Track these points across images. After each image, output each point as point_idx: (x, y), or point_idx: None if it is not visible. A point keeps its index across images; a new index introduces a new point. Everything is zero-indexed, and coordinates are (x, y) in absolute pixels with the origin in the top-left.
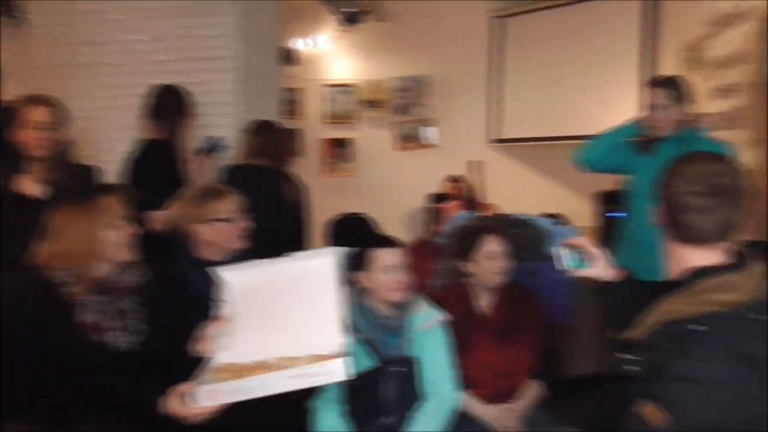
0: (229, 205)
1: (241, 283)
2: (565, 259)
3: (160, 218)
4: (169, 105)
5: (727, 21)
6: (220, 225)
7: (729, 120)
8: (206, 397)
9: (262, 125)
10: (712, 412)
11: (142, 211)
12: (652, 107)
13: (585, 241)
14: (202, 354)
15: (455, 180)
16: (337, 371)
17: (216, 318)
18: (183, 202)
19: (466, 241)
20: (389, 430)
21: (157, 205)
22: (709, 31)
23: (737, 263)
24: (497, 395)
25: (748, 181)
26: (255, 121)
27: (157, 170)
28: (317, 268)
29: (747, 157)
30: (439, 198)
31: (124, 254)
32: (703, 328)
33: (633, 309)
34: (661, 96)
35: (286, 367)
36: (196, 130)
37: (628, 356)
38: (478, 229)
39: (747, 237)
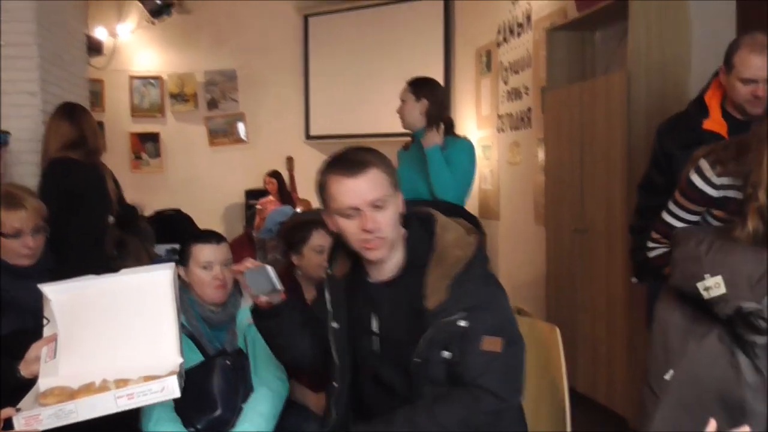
0: (17, 220)
1: (65, 301)
2: None
3: None
4: None
5: (515, 29)
6: (2, 239)
7: (519, 120)
8: (24, 423)
9: (74, 109)
10: None
11: None
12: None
13: None
14: (28, 376)
15: (272, 175)
16: (168, 389)
17: (41, 339)
18: None
19: (294, 234)
20: (220, 422)
21: None
22: (499, 39)
23: None
24: (322, 383)
25: None
26: (67, 105)
27: None
28: (152, 284)
29: (534, 153)
30: (256, 194)
31: None
32: None
33: None
34: (404, 91)
35: (113, 388)
36: None
37: None
38: (306, 223)
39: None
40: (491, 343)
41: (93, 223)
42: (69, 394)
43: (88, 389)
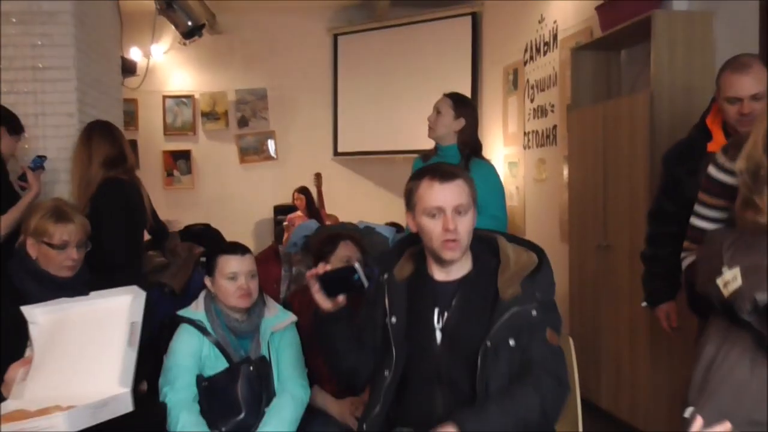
0: (66, 232)
1: (44, 322)
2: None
3: None
4: None
5: (541, 48)
6: (47, 249)
7: (545, 138)
8: None
9: (110, 127)
10: None
11: None
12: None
13: None
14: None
15: (301, 191)
16: (55, 426)
17: (18, 361)
18: (31, 212)
19: (323, 247)
20: (244, 426)
21: None
22: (526, 57)
23: None
24: (344, 390)
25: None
26: (101, 123)
27: None
28: (112, 308)
29: (560, 171)
30: (284, 209)
31: None
32: None
33: None
34: (443, 103)
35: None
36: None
37: None
38: (333, 236)
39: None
40: (553, 337)
41: (137, 240)
42: (24, 418)
43: (42, 413)
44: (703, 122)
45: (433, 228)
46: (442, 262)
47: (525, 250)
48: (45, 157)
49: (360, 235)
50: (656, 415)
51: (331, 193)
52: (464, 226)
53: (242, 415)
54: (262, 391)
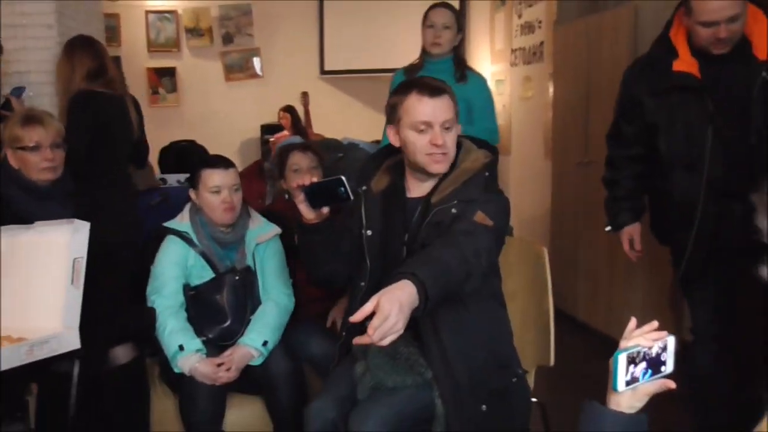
0: (35, 134)
1: None
2: None
3: None
4: None
5: None
6: (22, 153)
7: (531, 54)
8: None
9: (90, 40)
10: None
11: None
12: (432, 26)
13: None
14: None
15: (286, 110)
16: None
17: None
18: (5, 125)
19: (279, 160)
20: (229, 333)
21: None
22: None
23: None
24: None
25: None
26: (82, 36)
27: None
28: (53, 242)
29: (546, 88)
30: (272, 129)
31: None
32: None
33: None
34: (442, 15)
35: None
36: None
37: None
38: (287, 147)
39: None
40: (482, 218)
41: (117, 154)
42: None
43: None
44: (666, 37)
45: (419, 142)
46: (425, 175)
47: (481, 156)
48: (25, 87)
49: (326, 148)
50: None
51: (318, 113)
52: (450, 140)
53: (228, 323)
54: (247, 299)
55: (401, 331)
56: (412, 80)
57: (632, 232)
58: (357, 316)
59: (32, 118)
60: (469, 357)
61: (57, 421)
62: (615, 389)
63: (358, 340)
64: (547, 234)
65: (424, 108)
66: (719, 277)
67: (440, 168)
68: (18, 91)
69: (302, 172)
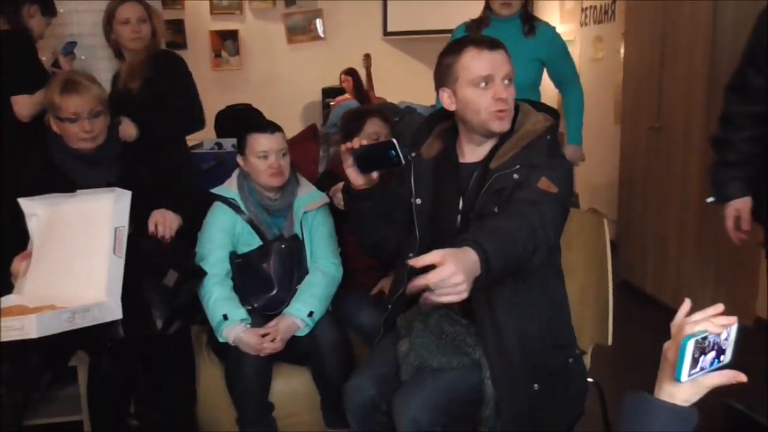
0: (69, 105)
1: (42, 216)
2: None
3: (24, 103)
4: None
5: None
6: (60, 122)
7: (602, 13)
8: None
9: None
10: None
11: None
12: None
13: None
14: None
15: (348, 73)
16: (27, 329)
17: (20, 254)
18: (46, 90)
19: (350, 124)
20: (276, 302)
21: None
22: None
23: None
24: (372, 267)
25: None
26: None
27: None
28: (95, 211)
29: (617, 49)
30: (333, 92)
31: None
32: None
33: None
34: None
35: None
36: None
37: None
38: (361, 112)
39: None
40: (547, 185)
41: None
42: (22, 313)
43: (36, 311)
44: None
45: (482, 99)
46: (483, 137)
47: (541, 119)
48: (76, 42)
49: (390, 113)
50: (701, 301)
51: (380, 75)
52: (512, 95)
53: (274, 291)
54: (294, 268)
55: (465, 295)
56: (464, 38)
57: (741, 207)
58: (417, 262)
59: (70, 86)
60: (525, 336)
61: (106, 389)
62: (678, 379)
63: (414, 284)
64: (614, 200)
65: (484, 62)
66: None
67: (504, 125)
68: (69, 47)
69: (379, 139)
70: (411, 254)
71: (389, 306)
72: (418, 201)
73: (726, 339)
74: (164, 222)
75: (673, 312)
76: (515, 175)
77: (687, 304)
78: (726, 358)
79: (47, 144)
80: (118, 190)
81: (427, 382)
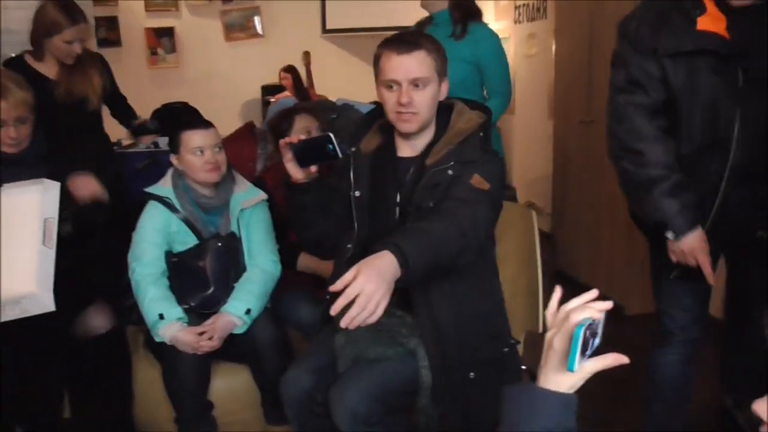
0: (1, 110)
1: None
2: None
3: None
4: None
5: None
6: None
7: (535, 11)
8: None
9: None
10: None
11: None
12: None
13: None
14: None
15: (287, 70)
16: None
17: None
18: None
19: (281, 123)
20: (213, 300)
21: None
22: None
23: None
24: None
25: None
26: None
27: None
28: (22, 203)
29: (549, 46)
30: (273, 89)
31: None
32: None
33: None
34: None
35: None
36: None
37: None
38: (290, 110)
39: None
40: (479, 182)
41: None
42: None
43: None
44: None
45: (388, 100)
46: (402, 134)
47: (474, 116)
48: None
49: (319, 110)
50: (632, 289)
51: (320, 73)
52: (423, 98)
53: (211, 290)
54: (231, 266)
55: (386, 299)
56: (393, 35)
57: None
58: (337, 285)
59: None
60: (461, 327)
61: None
62: (571, 369)
63: (336, 306)
64: (548, 193)
65: (392, 65)
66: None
67: (408, 127)
68: None
69: (312, 133)
70: (349, 245)
71: (327, 298)
72: (357, 193)
73: (598, 323)
74: (80, 184)
75: (604, 300)
76: (450, 171)
77: (558, 292)
78: (597, 341)
79: None
80: (46, 181)
81: (364, 373)
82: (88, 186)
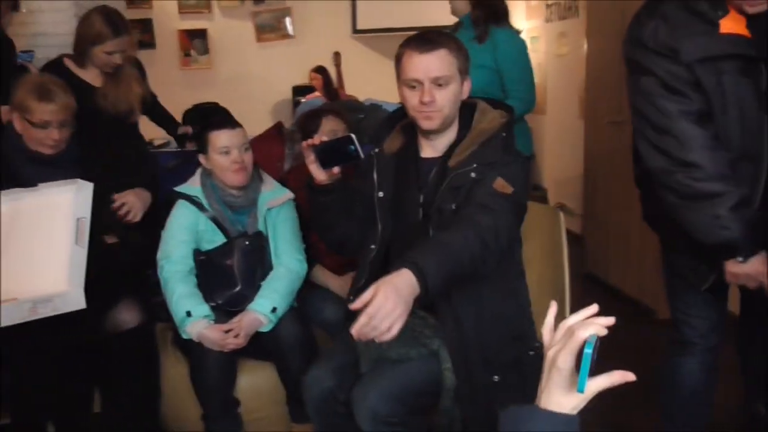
0: (46, 112)
1: (2, 210)
2: None
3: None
4: None
5: None
6: (28, 126)
7: (566, 9)
8: None
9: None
10: None
11: None
12: None
13: None
14: None
15: (318, 71)
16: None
17: None
18: (17, 88)
19: (308, 124)
20: (239, 298)
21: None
22: None
23: None
24: (342, 266)
25: None
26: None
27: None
28: (56, 203)
29: (581, 45)
30: (304, 90)
31: None
32: None
33: None
34: None
35: None
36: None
37: None
38: (318, 111)
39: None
40: (503, 186)
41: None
42: None
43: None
44: None
45: (410, 99)
46: (425, 133)
47: (497, 116)
48: (33, 52)
49: (347, 110)
50: (664, 293)
51: (350, 73)
52: (445, 97)
53: (238, 288)
54: (257, 265)
55: (404, 317)
56: (414, 34)
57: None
58: (356, 304)
59: (45, 92)
60: (485, 329)
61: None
62: (581, 390)
63: (357, 325)
64: (579, 195)
65: (413, 64)
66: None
67: (430, 124)
68: (28, 56)
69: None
70: (372, 246)
71: (351, 298)
72: (381, 194)
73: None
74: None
75: (635, 303)
76: (472, 174)
77: (554, 308)
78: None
79: (1, 141)
80: (79, 181)
81: (386, 373)
82: (145, 201)
